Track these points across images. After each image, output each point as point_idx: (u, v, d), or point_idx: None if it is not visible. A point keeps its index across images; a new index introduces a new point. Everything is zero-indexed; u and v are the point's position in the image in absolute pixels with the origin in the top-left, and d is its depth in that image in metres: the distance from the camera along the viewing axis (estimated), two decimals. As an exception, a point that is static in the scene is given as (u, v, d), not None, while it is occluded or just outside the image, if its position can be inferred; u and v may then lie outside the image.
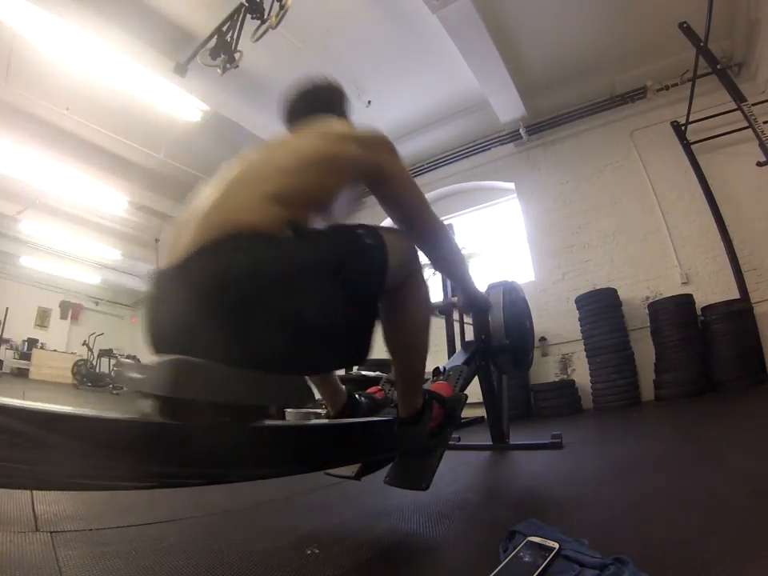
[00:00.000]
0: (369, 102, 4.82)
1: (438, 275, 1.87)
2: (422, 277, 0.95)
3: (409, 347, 0.93)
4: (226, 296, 0.64)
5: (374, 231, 0.82)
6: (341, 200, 0.83)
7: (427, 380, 1.32)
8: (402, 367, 0.94)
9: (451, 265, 1.12)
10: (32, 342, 8.78)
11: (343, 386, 1.20)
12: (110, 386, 8.09)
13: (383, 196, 0.89)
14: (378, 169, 0.86)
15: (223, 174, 0.82)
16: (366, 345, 0.80)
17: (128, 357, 8.58)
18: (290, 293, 0.66)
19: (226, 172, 0.82)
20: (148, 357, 0.72)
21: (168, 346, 0.67)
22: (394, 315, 0.85)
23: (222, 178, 0.80)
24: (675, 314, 3.61)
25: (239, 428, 0.68)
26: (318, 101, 1.07)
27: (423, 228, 0.96)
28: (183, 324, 0.66)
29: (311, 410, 2.60)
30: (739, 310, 3.47)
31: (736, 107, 2.98)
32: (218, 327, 0.63)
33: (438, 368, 1.40)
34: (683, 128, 4.07)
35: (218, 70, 3.59)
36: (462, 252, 1.13)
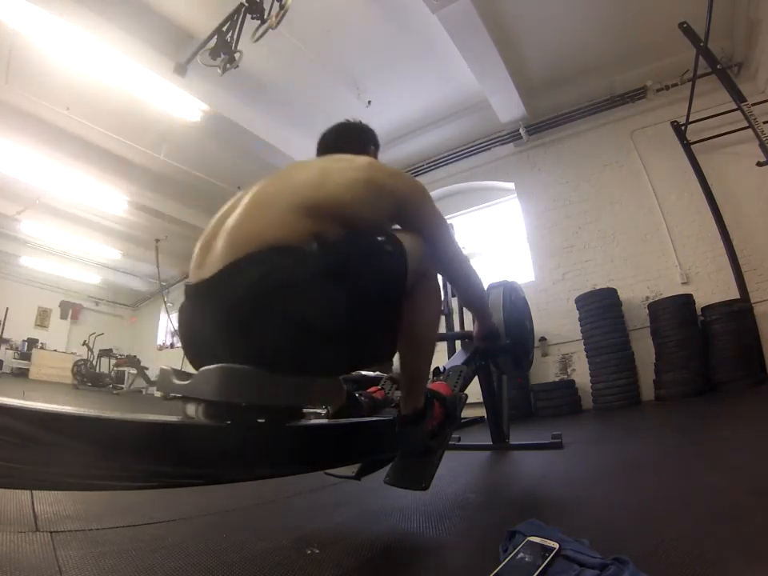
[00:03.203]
0: (369, 101, 4.82)
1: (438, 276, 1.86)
2: (435, 277, 0.99)
3: (419, 344, 0.94)
4: (258, 307, 0.69)
5: (394, 237, 0.85)
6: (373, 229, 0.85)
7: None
8: (410, 363, 0.95)
9: (472, 298, 1.21)
10: (32, 342, 8.79)
11: (344, 386, 1.20)
12: (110, 385, 8.09)
13: (419, 233, 0.93)
14: (415, 207, 0.91)
15: (253, 189, 0.86)
16: (393, 344, 0.86)
17: (128, 357, 8.60)
18: (316, 301, 0.71)
19: (257, 187, 0.86)
20: (166, 362, 0.76)
21: (207, 355, 0.72)
22: (407, 313, 0.86)
23: (252, 193, 0.84)
24: (675, 314, 3.61)
25: (277, 428, 0.76)
26: (348, 136, 1.13)
27: (450, 264, 1.03)
28: (220, 335, 0.71)
29: (311, 410, 2.59)
30: (739, 310, 3.47)
31: (736, 107, 2.98)
32: (253, 336, 0.69)
33: (438, 368, 1.40)
34: (683, 128, 4.07)
35: (218, 70, 3.59)
36: (480, 280, 1.19)
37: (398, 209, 0.89)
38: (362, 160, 0.90)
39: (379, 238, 0.84)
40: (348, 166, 0.86)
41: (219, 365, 0.67)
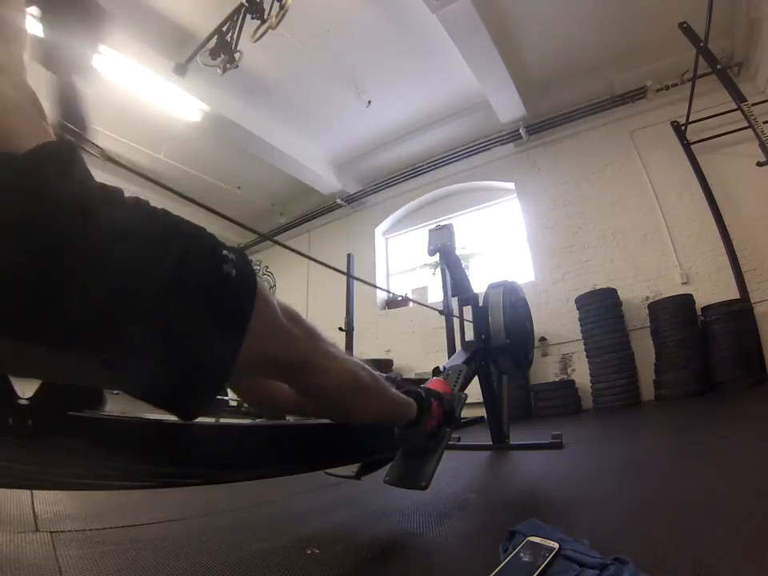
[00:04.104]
0: (369, 101, 4.82)
1: (438, 276, 1.82)
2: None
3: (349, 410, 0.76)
4: None
5: None
6: None
7: (426, 380, 1.32)
8: (372, 418, 0.82)
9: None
10: (32, 342, 8.78)
11: None
12: (110, 386, 8.09)
13: None
14: None
15: None
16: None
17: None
18: None
19: None
20: None
21: None
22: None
23: None
24: (675, 314, 3.61)
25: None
26: None
27: None
28: None
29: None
30: (739, 310, 3.47)
31: (736, 107, 2.98)
32: None
33: (437, 367, 1.40)
34: (683, 128, 4.07)
35: (218, 70, 3.60)
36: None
37: None
38: None
39: None
40: None
41: None
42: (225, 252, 0.50)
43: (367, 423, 0.84)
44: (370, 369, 0.77)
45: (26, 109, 0.47)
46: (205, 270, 0.47)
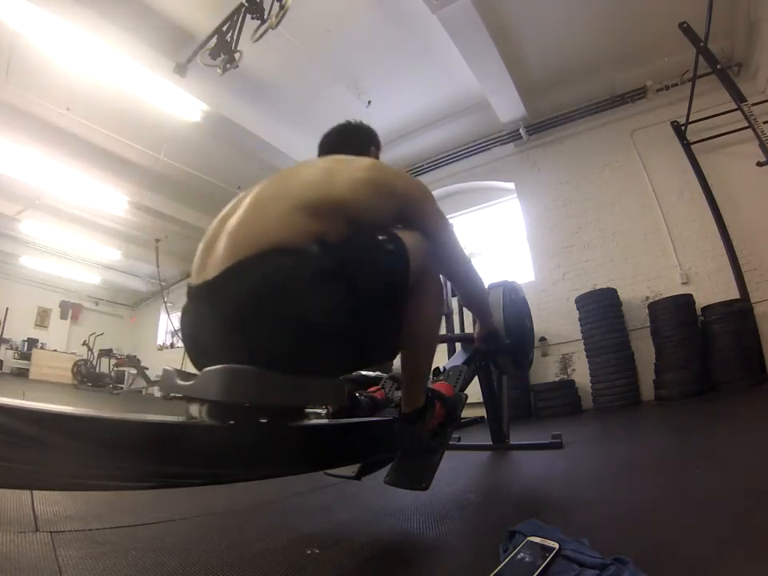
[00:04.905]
0: (369, 101, 4.82)
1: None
2: (437, 275, 0.97)
3: (420, 343, 0.94)
4: (259, 308, 0.69)
5: (395, 236, 0.84)
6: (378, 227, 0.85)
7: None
8: (411, 363, 0.95)
9: (474, 299, 1.18)
10: (32, 342, 8.78)
11: (345, 386, 1.20)
12: (110, 385, 8.09)
13: (422, 233, 0.91)
14: (418, 207, 0.91)
15: (254, 189, 0.86)
16: (394, 344, 0.86)
17: (127, 356, 8.59)
18: (316, 301, 0.70)
19: (258, 187, 0.86)
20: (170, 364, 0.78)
21: (209, 356, 0.72)
22: (409, 312, 0.86)
23: (254, 193, 0.84)
24: (675, 314, 3.61)
25: (279, 428, 0.76)
26: (349, 136, 1.15)
27: (452, 264, 1.02)
28: (223, 335, 0.72)
29: (311, 410, 2.60)
30: (739, 310, 3.47)
31: (736, 107, 2.98)
32: (255, 337, 0.70)
33: (438, 368, 1.40)
34: (683, 128, 4.07)
35: (218, 70, 3.60)
36: (483, 286, 1.20)
37: (401, 209, 0.88)
38: (365, 160, 0.90)
39: (381, 237, 0.83)
40: (351, 166, 0.85)
41: (223, 365, 0.67)
42: (381, 237, 0.84)
43: (370, 420, 0.95)
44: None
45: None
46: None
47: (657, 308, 3.76)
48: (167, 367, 0.77)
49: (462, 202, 5.67)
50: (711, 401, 3.05)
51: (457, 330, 2.36)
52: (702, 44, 3.18)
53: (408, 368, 0.96)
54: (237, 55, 3.53)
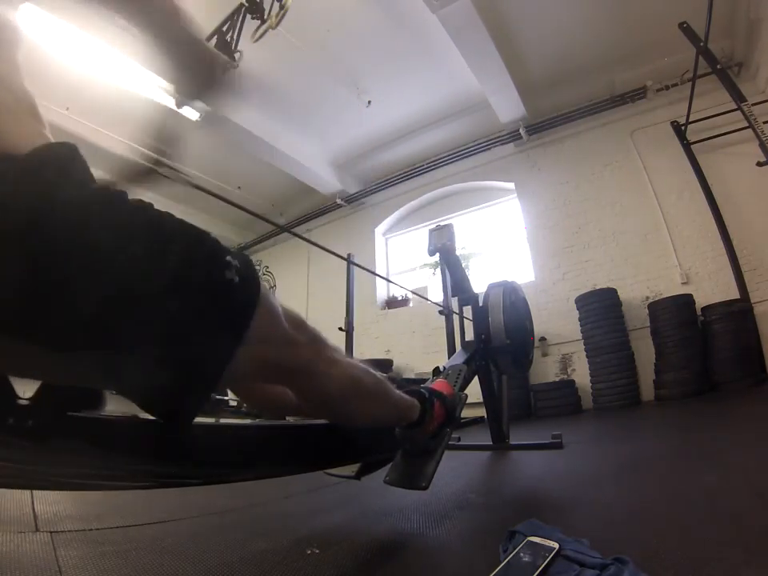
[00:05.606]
0: (369, 101, 4.82)
1: (438, 276, 1.82)
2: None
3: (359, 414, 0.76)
4: None
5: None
6: None
7: (427, 380, 1.32)
8: (373, 421, 0.82)
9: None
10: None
11: None
12: (110, 385, 8.07)
13: None
14: None
15: None
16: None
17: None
18: None
19: None
20: None
21: None
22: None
23: None
24: (675, 314, 3.61)
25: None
26: None
27: None
28: None
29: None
30: (739, 310, 3.47)
31: (736, 107, 2.98)
32: None
33: (437, 367, 1.40)
34: (683, 128, 4.07)
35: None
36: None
37: None
38: None
39: None
40: None
41: None
42: (228, 258, 0.50)
43: (368, 425, 0.86)
44: (374, 373, 0.77)
45: (21, 112, 0.48)
46: (206, 274, 0.48)
47: (657, 308, 3.76)
48: None
49: (462, 201, 5.67)
50: (711, 401, 3.05)
51: (457, 331, 2.35)
52: (702, 44, 3.18)
53: (379, 423, 0.83)
54: (237, 55, 3.53)
